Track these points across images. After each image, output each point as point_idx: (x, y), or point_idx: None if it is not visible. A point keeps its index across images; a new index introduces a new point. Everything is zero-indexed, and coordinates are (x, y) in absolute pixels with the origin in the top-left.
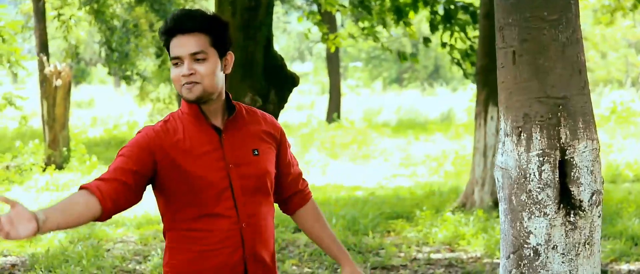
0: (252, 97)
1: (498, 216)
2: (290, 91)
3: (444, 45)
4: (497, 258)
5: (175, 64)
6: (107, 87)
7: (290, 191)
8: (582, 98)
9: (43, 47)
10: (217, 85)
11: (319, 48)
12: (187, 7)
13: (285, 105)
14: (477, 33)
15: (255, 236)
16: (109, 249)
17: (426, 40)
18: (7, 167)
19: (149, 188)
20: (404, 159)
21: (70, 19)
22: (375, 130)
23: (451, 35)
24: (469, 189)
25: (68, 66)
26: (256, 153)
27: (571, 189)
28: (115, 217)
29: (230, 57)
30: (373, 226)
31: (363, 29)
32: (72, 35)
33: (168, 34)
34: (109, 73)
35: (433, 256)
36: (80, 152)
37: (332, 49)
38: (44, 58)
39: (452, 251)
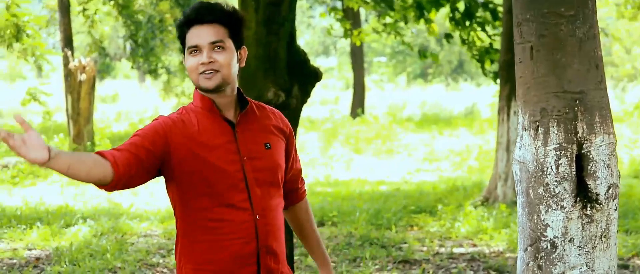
0: (275, 92)
1: None
2: (313, 86)
3: (464, 42)
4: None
5: (193, 54)
6: (132, 82)
7: (289, 187)
8: (599, 93)
9: (68, 41)
10: (234, 76)
11: (343, 43)
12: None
13: (309, 100)
14: (496, 31)
15: (268, 229)
16: (133, 243)
17: (448, 36)
18: None
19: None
20: (428, 154)
21: (95, 13)
22: (399, 125)
23: (468, 34)
24: (492, 184)
25: (92, 61)
26: (268, 146)
27: (588, 182)
28: (139, 212)
29: (244, 51)
30: (396, 220)
31: (384, 25)
32: (97, 29)
33: (187, 24)
34: (132, 67)
35: (455, 250)
36: (105, 146)
37: (358, 44)
38: (69, 53)
39: (475, 245)
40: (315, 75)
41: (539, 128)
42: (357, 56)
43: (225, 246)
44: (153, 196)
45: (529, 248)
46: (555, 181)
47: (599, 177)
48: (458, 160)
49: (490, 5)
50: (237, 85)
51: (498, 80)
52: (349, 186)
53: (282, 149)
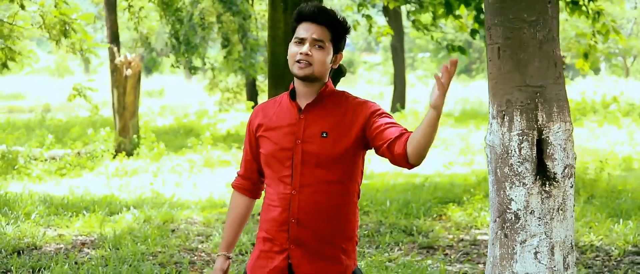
0: None
1: None
2: (338, 81)
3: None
4: None
5: (296, 44)
6: (178, 77)
7: (392, 136)
8: (557, 87)
9: (114, 37)
10: (325, 72)
11: (388, 39)
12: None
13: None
14: None
15: (303, 205)
16: (174, 230)
17: (473, 32)
18: (79, 154)
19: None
20: (463, 148)
21: (140, 10)
22: None
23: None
24: None
25: (138, 56)
26: (324, 135)
27: (547, 163)
28: (180, 200)
29: (340, 56)
30: (425, 210)
31: (413, 21)
32: (143, 25)
33: (302, 19)
34: (173, 65)
35: (479, 237)
36: (150, 140)
37: (379, 39)
38: (115, 48)
39: None
40: (340, 71)
41: (505, 117)
42: (397, 52)
43: (270, 210)
44: (196, 187)
45: (497, 219)
46: (518, 162)
47: (556, 159)
48: None
49: None
50: (326, 81)
51: None
52: (383, 178)
53: (347, 139)
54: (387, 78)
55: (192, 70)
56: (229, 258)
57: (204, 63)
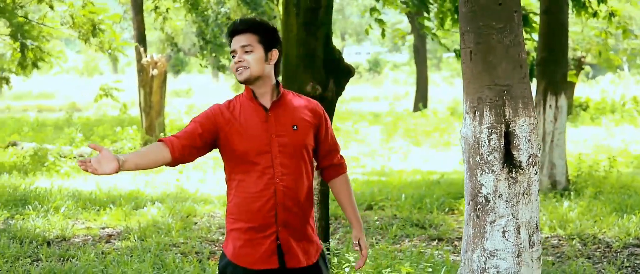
0: (312, 85)
1: (554, 197)
2: (347, 80)
3: None
4: (545, 234)
5: (233, 56)
6: (206, 77)
7: (326, 163)
8: (522, 86)
9: (141, 38)
10: (262, 71)
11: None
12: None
13: (373, 95)
14: (527, 35)
15: (287, 191)
16: (196, 223)
17: None
18: None
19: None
20: None
21: (166, 11)
22: (457, 119)
23: None
24: None
25: (164, 56)
26: (295, 128)
27: (513, 153)
28: (204, 196)
29: (275, 53)
30: (438, 204)
31: (421, 27)
32: (169, 25)
33: (231, 34)
34: (201, 65)
35: None
36: None
37: (395, 42)
38: (141, 49)
39: None
40: (347, 71)
41: (476, 112)
42: (420, 53)
43: (253, 201)
44: (218, 183)
45: (470, 202)
46: (488, 151)
47: (521, 149)
48: None
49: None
50: (273, 78)
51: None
52: (401, 175)
53: (310, 131)
54: (413, 78)
55: (220, 68)
56: (119, 164)
57: (221, 63)
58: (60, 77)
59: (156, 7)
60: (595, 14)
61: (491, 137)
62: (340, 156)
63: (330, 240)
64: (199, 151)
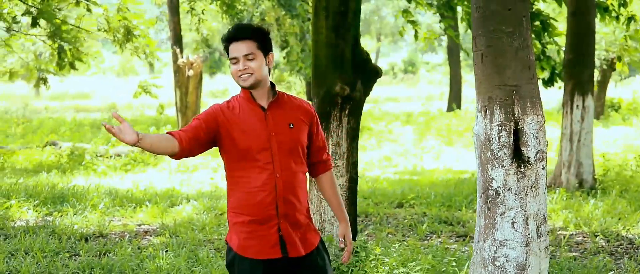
0: (341, 86)
1: (580, 196)
2: (374, 81)
3: None
4: (572, 232)
5: (234, 63)
6: None
7: (314, 160)
8: (530, 86)
9: (177, 39)
10: (264, 76)
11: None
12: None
13: (407, 95)
14: (549, 39)
15: (286, 185)
16: None
17: None
18: (143, 151)
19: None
20: None
21: (202, 12)
22: None
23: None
24: (557, 171)
25: (200, 58)
26: (291, 126)
27: (522, 149)
28: None
29: (271, 56)
30: (467, 202)
31: (445, 29)
32: (205, 27)
33: (229, 41)
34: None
35: None
36: None
37: (423, 41)
38: (177, 50)
39: None
40: (375, 73)
41: (487, 111)
42: (453, 53)
43: (254, 196)
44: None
45: (482, 195)
46: (498, 147)
47: (529, 145)
48: None
49: (541, 17)
50: (269, 81)
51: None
52: (433, 174)
53: (305, 130)
54: (448, 79)
55: None
56: (138, 138)
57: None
58: (96, 77)
59: (192, 9)
60: (617, 18)
61: (501, 134)
62: (327, 154)
63: (358, 235)
64: (201, 146)
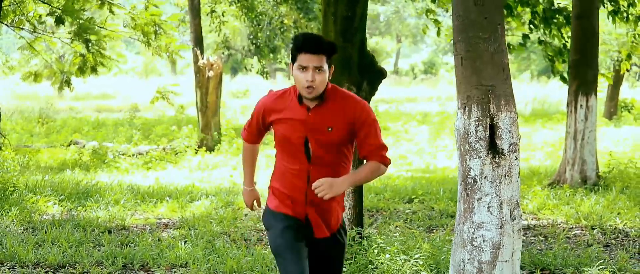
0: (348, 86)
1: (583, 192)
2: (380, 81)
3: (540, 42)
4: (571, 225)
5: (301, 70)
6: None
7: (364, 154)
8: (504, 86)
9: (198, 41)
10: (325, 87)
11: None
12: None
13: (427, 95)
14: (570, 33)
15: (317, 176)
16: (246, 214)
17: (525, 37)
18: (164, 149)
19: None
20: (525, 145)
21: (223, 15)
22: None
23: (545, 34)
24: (561, 168)
25: (220, 58)
26: (330, 129)
27: (496, 142)
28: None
29: (332, 68)
30: None
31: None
32: (227, 28)
33: (300, 50)
34: (258, 72)
35: None
36: (230, 136)
37: (448, 41)
38: (198, 51)
39: (537, 218)
40: (380, 74)
41: (466, 108)
42: None
43: (290, 176)
44: (269, 179)
45: (462, 183)
46: (475, 140)
47: (503, 138)
48: (550, 150)
49: (564, 13)
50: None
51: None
52: (444, 172)
53: (345, 132)
54: None
55: (264, 74)
56: (254, 189)
57: (286, 64)
58: (119, 78)
59: (213, 11)
60: (627, 18)
61: (478, 129)
62: (382, 155)
63: (363, 226)
64: (261, 134)
